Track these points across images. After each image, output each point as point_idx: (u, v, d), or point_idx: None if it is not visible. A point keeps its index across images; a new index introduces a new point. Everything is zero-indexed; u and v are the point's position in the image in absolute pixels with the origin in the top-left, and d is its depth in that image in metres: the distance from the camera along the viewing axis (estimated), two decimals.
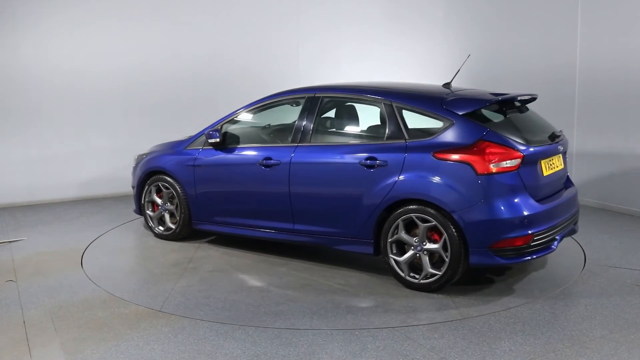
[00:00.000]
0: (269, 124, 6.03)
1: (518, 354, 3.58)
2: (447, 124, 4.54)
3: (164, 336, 3.89)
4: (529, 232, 4.34)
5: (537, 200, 4.49)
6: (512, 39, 8.36)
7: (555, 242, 4.60)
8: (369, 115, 5.30)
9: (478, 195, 4.31)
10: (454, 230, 4.37)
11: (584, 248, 5.62)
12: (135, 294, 4.68)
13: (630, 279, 4.81)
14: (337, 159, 4.93)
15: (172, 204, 6.01)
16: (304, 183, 5.09)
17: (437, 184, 4.43)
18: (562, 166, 4.96)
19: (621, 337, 3.79)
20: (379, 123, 5.11)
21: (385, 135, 4.80)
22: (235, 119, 5.68)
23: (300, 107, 5.33)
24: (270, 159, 5.26)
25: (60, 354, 3.67)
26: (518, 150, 4.38)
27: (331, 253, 5.40)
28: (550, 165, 4.73)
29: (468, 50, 7.97)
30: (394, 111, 4.80)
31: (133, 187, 6.45)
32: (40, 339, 3.88)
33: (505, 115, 4.79)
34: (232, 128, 5.68)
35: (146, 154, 6.40)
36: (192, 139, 5.94)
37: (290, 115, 5.54)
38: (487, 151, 4.33)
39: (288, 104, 5.55)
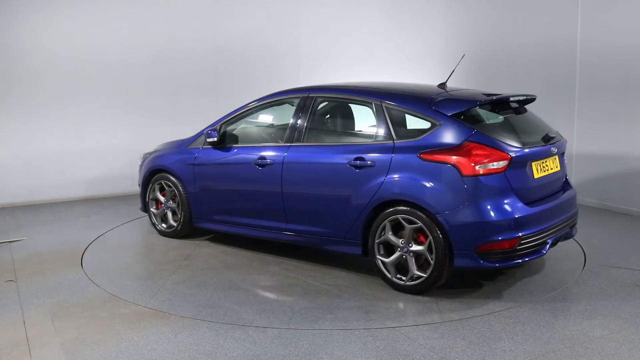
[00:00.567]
0: (267, 124, 6.06)
1: (518, 354, 3.58)
2: (435, 125, 4.50)
3: (164, 336, 3.89)
4: (516, 235, 4.25)
5: (528, 203, 4.40)
6: (512, 32, 8.35)
7: (546, 246, 4.50)
8: (361, 116, 5.32)
9: (463, 197, 4.25)
10: (438, 232, 4.33)
11: (584, 248, 5.62)
12: (124, 289, 4.76)
13: (630, 279, 4.81)
14: (327, 159, 4.94)
15: (174, 202, 6.11)
16: (296, 183, 5.11)
17: (422, 185, 4.39)
18: (558, 168, 4.85)
19: (621, 337, 3.79)
20: (370, 123, 5.10)
21: (374, 135, 4.81)
22: (233, 118, 5.73)
23: (294, 107, 5.37)
24: (264, 158, 5.30)
25: (60, 354, 3.67)
26: (505, 151, 4.31)
27: (326, 253, 5.40)
28: (543, 167, 4.64)
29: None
30: (383, 111, 4.79)
31: (139, 185, 6.57)
32: (40, 339, 3.88)
33: (500, 116, 4.76)
34: (230, 128, 5.75)
35: (151, 153, 6.51)
36: (193, 138, 6.03)
37: (287, 114, 5.56)
38: (473, 152, 4.27)
39: (284, 103, 5.58)
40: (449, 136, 4.40)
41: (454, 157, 4.30)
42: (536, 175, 4.55)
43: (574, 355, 3.55)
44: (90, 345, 3.78)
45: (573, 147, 7.42)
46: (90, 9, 7.99)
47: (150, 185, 6.30)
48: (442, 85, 5.15)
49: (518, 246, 4.29)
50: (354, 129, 5.36)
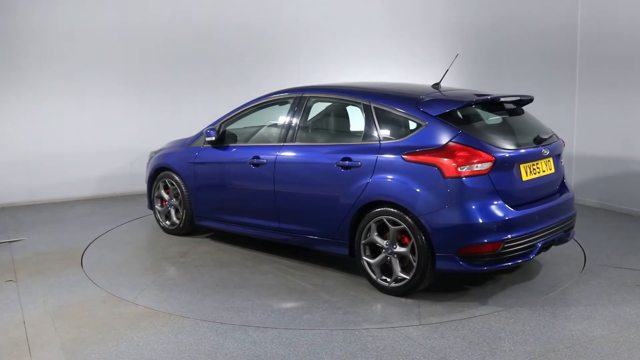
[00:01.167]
0: (264, 124, 6.10)
1: (518, 354, 3.58)
2: (420, 125, 4.46)
3: (164, 336, 3.89)
4: (499, 238, 4.16)
5: (515, 206, 4.31)
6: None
7: (534, 250, 4.40)
8: (351, 116, 5.34)
9: (445, 199, 4.19)
10: (421, 234, 4.28)
11: (584, 248, 5.62)
12: (115, 284, 4.84)
13: (630, 279, 4.81)
14: (316, 159, 4.95)
15: (177, 199, 6.21)
16: (287, 182, 5.14)
17: (405, 186, 4.35)
18: (552, 171, 4.72)
19: (621, 337, 3.79)
20: (359, 124, 5.08)
21: (362, 136, 4.79)
22: (232, 118, 5.81)
23: (288, 107, 5.39)
24: (258, 157, 5.34)
25: (60, 354, 3.67)
26: (490, 153, 4.23)
27: (320, 253, 5.40)
28: (533, 169, 4.52)
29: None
30: (371, 112, 4.77)
31: (146, 183, 6.67)
32: (40, 339, 3.88)
33: (492, 117, 4.70)
34: (228, 127, 5.82)
35: (158, 151, 6.61)
36: (194, 137, 6.13)
37: (283, 114, 5.60)
38: (456, 154, 4.19)
39: (281, 103, 5.59)
40: (433, 137, 4.35)
41: (437, 158, 4.24)
42: (524, 178, 4.43)
43: (574, 355, 3.55)
44: (90, 345, 3.78)
45: (573, 146, 7.42)
46: (90, 8, 8.00)
47: (155, 183, 6.42)
48: (436, 86, 5.12)
49: (502, 250, 4.19)
50: (343, 129, 5.36)
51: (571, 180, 7.48)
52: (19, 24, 7.56)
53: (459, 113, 4.56)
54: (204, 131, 5.87)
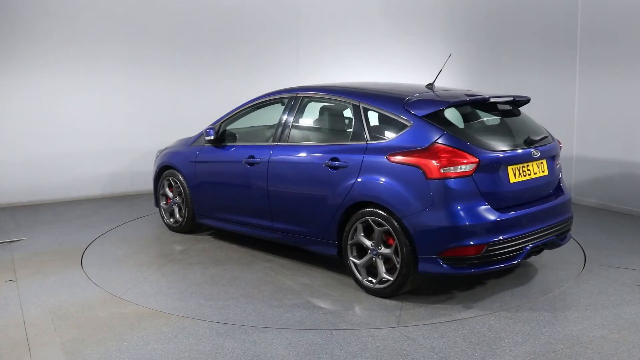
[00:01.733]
0: (260, 123, 6.17)
1: (518, 354, 3.58)
2: (406, 126, 4.42)
3: (164, 336, 3.89)
4: (483, 241, 4.08)
5: (502, 208, 4.23)
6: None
7: (522, 254, 4.30)
8: (342, 116, 5.35)
9: (427, 200, 4.14)
10: (404, 235, 4.24)
11: (584, 248, 5.62)
12: (108, 279, 4.90)
13: (630, 279, 4.81)
14: (306, 158, 4.97)
15: (180, 197, 6.30)
16: (279, 182, 5.16)
17: (389, 187, 4.32)
18: (545, 173, 4.61)
19: (621, 337, 3.79)
20: (348, 124, 5.09)
21: (351, 136, 4.80)
22: (231, 117, 5.86)
23: (283, 107, 5.42)
24: (253, 157, 5.38)
25: (60, 354, 3.67)
26: (474, 154, 4.15)
27: (315, 253, 5.40)
28: (523, 171, 4.42)
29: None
30: (360, 112, 4.76)
31: (153, 181, 6.74)
32: (40, 339, 3.88)
33: (484, 118, 4.67)
34: (228, 127, 5.88)
35: (164, 149, 6.68)
36: (197, 137, 6.20)
37: (278, 114, 5.61)
38: (439, 155, 4.14)
39: (278, 103, 5.61)
40: (418, 138, 4.30)
41: (420, 159, 4.20)
42: (512, 180, 4.34)
43: (574, 355, 3.55)
44: (90, 345, 3.78)
45: (573, 147, 7.42)
46: (91, 9, 8.00)
47: (160, 181, 6.53)
48: (430, 85, 5.09)
49: (486, 253, 4.11)
50: (334, 129, 5.36)
51: (571, 180, 7.48)
52: (19, 24, 7.57)
53: (446, 114, 4.46)
54: (204, 131, 5.92)
